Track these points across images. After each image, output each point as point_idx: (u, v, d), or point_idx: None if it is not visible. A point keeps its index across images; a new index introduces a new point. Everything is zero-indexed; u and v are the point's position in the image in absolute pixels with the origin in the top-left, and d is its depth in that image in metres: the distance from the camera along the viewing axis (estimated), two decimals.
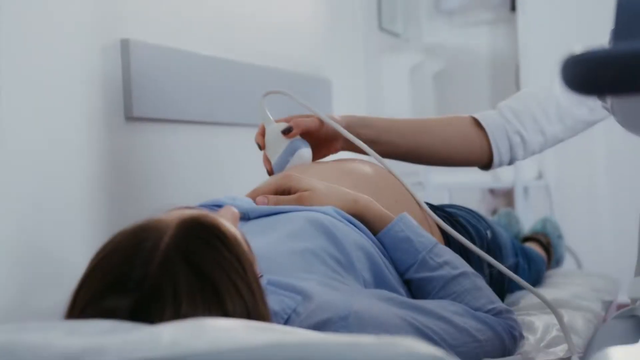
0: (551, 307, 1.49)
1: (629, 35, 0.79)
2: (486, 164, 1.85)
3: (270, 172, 1.71)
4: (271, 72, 2.39)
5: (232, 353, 0.75)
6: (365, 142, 1.69)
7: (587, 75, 0.70)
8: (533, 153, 1.86)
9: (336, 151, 1.77)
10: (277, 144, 1.68)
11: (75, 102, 1.58)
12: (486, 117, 1.83)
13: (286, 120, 1.70)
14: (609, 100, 0.89)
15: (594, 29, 1.85)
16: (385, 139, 1.76)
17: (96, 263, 0.99)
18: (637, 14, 0.79)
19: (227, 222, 1.05)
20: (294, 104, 1.73)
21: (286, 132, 1.66)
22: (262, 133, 1.72)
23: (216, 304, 0.95)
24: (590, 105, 1.79)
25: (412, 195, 1.64)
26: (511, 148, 1.82)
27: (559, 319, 1.47)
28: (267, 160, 1.71)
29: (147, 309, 0.92)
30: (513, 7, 3.82)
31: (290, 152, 1.67)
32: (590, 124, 1.84)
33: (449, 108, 3.97)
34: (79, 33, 1.60)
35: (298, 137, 1.68)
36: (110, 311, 0.92)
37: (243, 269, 1.00)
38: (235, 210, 1.15)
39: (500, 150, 1.81)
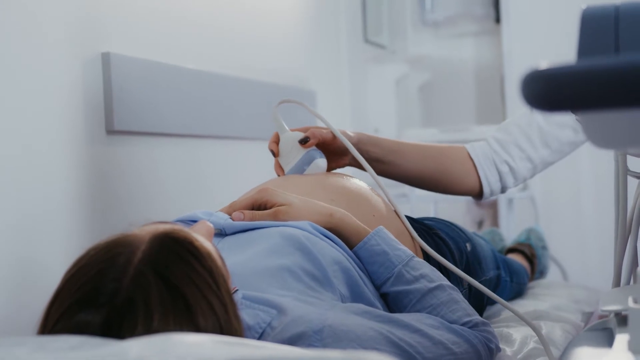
0: (526, 321, 1.50)
1: (592, 52, 0.80)
2: (479, 194, 1.90)
3: None
4: (255, 84, 2.39)
5: None
6: (371, 160, 1.75)
7: (547, 91, 0.70)
8: (524, 180, 1.92)
9: (344, 165, 1.81)
10: (292, 153, 1.72)
11: (56, 115, 1.59)
12: (475, 149, 1.89)
13: (302, 131, 1.74)
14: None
15: None
16: (391, 159, 1.81)
17: (68, 278, 0.99)
18: (600, 31, 0.80)
19: (201, 237, 1.06)
20: (299, 115, 1.75)
21: (303, 141, 1.70)
22: (276, 141, 1.76)
23: (188, 318, 0.95)
24: (574, 127, 1.83)
25: (399, 217, 1.65)
26: (501, 178, 1.88)
27: (537, 332, 1.48)
28: (279, 168, 1.75)
29: (119, 323, 0.92)
30: (498, 19, 3.84)
31: (307, 161, 1.70)
32: (577, 144, 1.90)
33: (435, 120, 3.98)
34: (59, 46, 1.60)
35: (314, 147, 1.72)
36: (82, 326, 0.93)
37: (216, 284, 1.00)
38: (210, 225, 1.15)
39: (489, 180, 1.87)
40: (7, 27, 1.46)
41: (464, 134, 3.46)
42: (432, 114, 4.04)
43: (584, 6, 0.87)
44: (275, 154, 1.75)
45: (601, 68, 0.70)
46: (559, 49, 3.23)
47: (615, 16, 0.82)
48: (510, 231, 3.13)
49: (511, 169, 1.87)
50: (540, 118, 1.86)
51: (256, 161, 2.44)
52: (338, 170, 1.79)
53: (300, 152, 1.71)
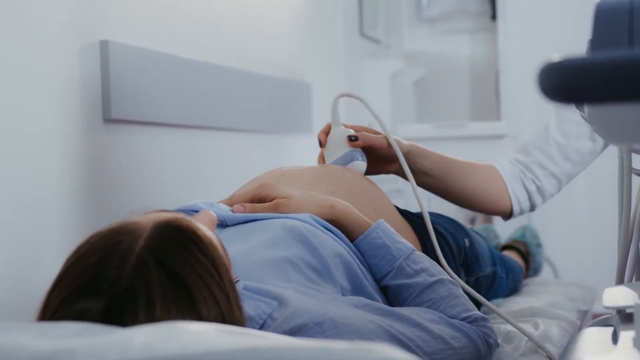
0: (516, 326, 1.51)
1: (605, 45, 0.80)
2: (507, 214, 1.96)
3: None
4: (252, 76, 2.38)
5: (205, 357, 0.74)
6: (418, 172, 1.80)
7: (563, 83, 0.70)
8: (552, 195, 1.97)
9: (388, 172, 1.84)
10: (338, 147, 1.74)
11: (53, 103, 1.57)
12: (504, 169, 1.93)
13: (355, 129, 1.76)
14: (586, 109, 0.90)
15: (575, 39, 1.87)
16: (436, 173, 1.85)
17: (69, 265, 0.98)
18: (614, 24, 0.80)
19: (203, 226, 1.05)
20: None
21: (352, 139, 1.73)
22: (327, 131, 1.78)
23: (190, 308, 0.94)
24: (590, 136, 1.88)
25: (426, 226, 1.65)
26: (530, 197, 1.94)
27: (528, 334, 1.50)
28: (322, 159, 1.78)
29: (120, 311, 0.91)
30: (494, 16, 3.83)
31: (348, 160, 1.73)
32: (597, 153, 1.95)
33: (429, 115, 3.98)
34: (57, 34, 1.59)
35: (359, 148, 1.74)
36: (82, 314, 0.91)
37: (218, 273, 0.99)
38: (213, 215, 1.14)
39: (519, 199, 1.93)
40: (4, 13, 1.45)
41: (459, 130, 3.46)
42: (426, 110, 4.03)
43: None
44: (321, 144, 1.77)
45: (619, 60, 0.69)
46: (555, 46, 3.24)
47: (630, 10, 0.82)
48: (503, 229, 3.12)
49: (538, 188, 1.93)
50: (557, 134, 1.91)
51: (252, 153, 2.43)
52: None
53: (345, 149, 1.74)
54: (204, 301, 0.96)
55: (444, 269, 1.57)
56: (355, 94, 1.80)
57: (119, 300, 0.92)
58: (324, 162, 1.76)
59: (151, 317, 0.91)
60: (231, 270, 1.05)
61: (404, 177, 1.78)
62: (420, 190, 2.30)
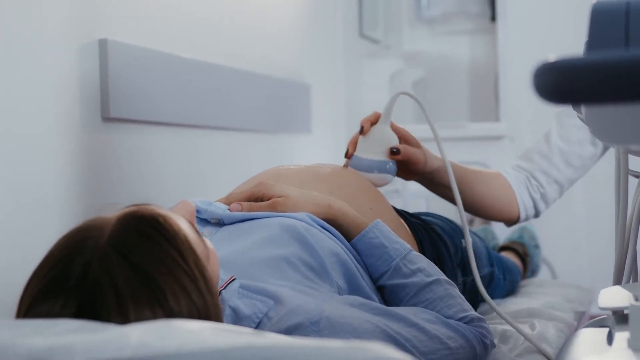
0: (514, 326, 1.51)
1: (601, 46, 0.80)
2: (514, 221, 1.98)
3: (347, 156, 1.75)
4: (251, 76, 2.39)
5: (200, 355, 0.75)
6: (440, 185, 1.82)
7: (558, 83, 0.70)
8: (554, 201, 2.00)
9: (408, 180, 1.85)
10: (376, 147, 1.73)
11: (51, 101, 1.57)
12: (510, 176, 1.95)
13: (401, 135, 1.76)
14: (583, 110, 0.90)
15: (574, 40, 1.88)
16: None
17: (39, 265, 0.99)
18: (610, 25, 0.80)
19: (173, 215, 1.04)
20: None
21: (393, 151, 1.72)
22: (373, 121, 1.76)
23: (158, 299, 0.94)
24: (592, 141, 1.89)
25: (465, 236, 1.66)
26: (535, 204, 1.96)
27: (524, 334, 1.50)
28: (353, 144, 1.76)
29: (91, 307, 0.91)
30: (493, 17, 3.83)
31: (380, 168, 1.72)
32: (598, 157, 1.96)
33: (428, 116, 3.97)
34: (56, 32, 1.59)
35: (394, 161, 1.73)
36: (53, 312, 0.92)
37: (185, 262, 0.99)
38: (191, 204, 1.14)
39: (526, 206, 1.95)
40: (4, 12, 1.45)
41: (458, 131, 3.46)
42: (426, 110, 4.03)
43: (594, 0, 0.87)
44: (363, 131, 1.75)
45: (614, 61, 0.69)
46: (555, 48, 3.24)
47: (626, 11, 0.82)
48: (501, 230, 3.12)
49: (542, 195, 1.95)
50: (559, 140, 1.93)
51: (251, 153, 2.44)
52: (330, 162, 1.78)
53: (382, 155, 1.72)
54: (172, 292, 0.95)
55: (474, 274, 1.58)
56: (413, 93, 1.81)
57: (88, 295, 0.92)
58: (354, 148, 1.75)
59: (121, 312, 0.91)
60: (212, 259, 1.06)
61: (426, 185, 1.82)
62: (415, 190, 2.30)
